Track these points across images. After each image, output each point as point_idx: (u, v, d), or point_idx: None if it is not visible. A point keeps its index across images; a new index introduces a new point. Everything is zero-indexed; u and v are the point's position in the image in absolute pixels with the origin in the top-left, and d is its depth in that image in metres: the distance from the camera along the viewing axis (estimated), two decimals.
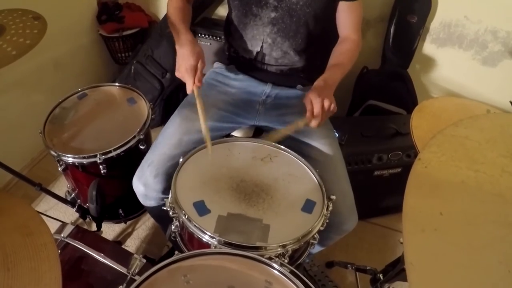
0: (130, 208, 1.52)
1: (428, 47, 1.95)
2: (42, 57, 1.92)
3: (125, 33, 2.24)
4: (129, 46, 2.32)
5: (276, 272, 0.77)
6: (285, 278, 0.75)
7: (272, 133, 1.20)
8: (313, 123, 1.10)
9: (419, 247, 0.43)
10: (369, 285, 1.34)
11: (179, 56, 1.14)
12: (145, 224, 1.79)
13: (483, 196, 0.48)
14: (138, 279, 0.72)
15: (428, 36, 1.93)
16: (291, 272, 0.77)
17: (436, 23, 1.89)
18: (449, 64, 1.97)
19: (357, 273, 1.45)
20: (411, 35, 1.85)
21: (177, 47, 1.16)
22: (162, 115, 2.27)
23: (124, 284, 0.86)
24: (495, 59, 1.88)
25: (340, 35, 1.34)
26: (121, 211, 1.48)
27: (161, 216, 1.30)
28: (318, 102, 1.07)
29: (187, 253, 0.78)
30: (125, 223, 1.62)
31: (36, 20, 1.33)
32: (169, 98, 2.25)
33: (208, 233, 0.90)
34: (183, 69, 1.11)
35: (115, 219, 1.51)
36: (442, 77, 2.01)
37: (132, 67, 2.19)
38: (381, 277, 1.24)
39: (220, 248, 0.87)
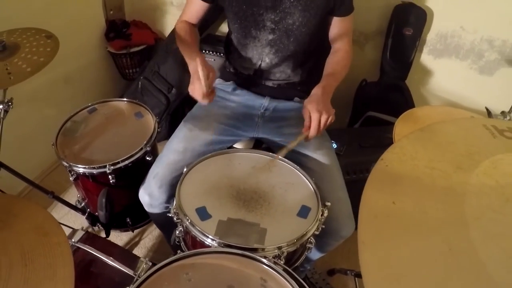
0: (137, 217, 1.61)
1: (425, 58, 2.03)
2: (53, 73, 2.03)
3: (132, 50, 2.37)
4: (136, 63, 2.44)
5: (270, 269, 0.85)
6: (278, 275, 0.83)
7: (279, 151, 1.27)
8: (310, 137, 1.17)
9: (371, 230, 0.51)
10: None
11: (193, 76, 1.22)
12: (152, 234, 1.87)
13: (435, 189, 0.55)
14: (144, 275, 0.80)
15: (425, 48, 2.01)
16: (284, 270, 0.85)
17: (432, 35, 1.97)
18: (446, 74, 2.04)
19: (356, 279, 1.52)
20: (407, 47, 1.93)
21: (189, 67, 1.25)
22: (168, 129, 2.37)
23: (131, 286, 0.94)
24: (491, 68, 1.95)
25: (333, 46, 1.43)
26: (128, 220, 1.57)
27: (165, 224, 1.39)
28: (316, 118, 1.15)
29: (188, 252, 0.87)
30: (133, 231, 1.70)
31: (48, 38, 1.44)
32: (175, 113, 2.35)
33: (210, 236, 0.99)
34: (197, 87, 1.20)
35: (123, 227, 1.60)
36: (440, 87, 2.08)
37: (139, 82, 2.30)
38: None
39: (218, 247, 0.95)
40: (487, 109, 1.25)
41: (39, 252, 0.81)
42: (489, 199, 0.55)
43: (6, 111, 1.36)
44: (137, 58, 2.42)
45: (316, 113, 1.15)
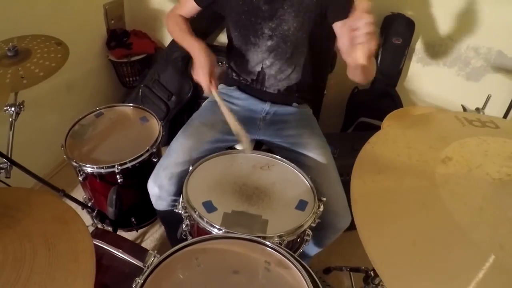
0: (142, 216, 1.69)
1: (414, 66, 2.16)
2: (57, 80, 2.08)
3: (133, 58, 2.47)
4: (136, 71, 2.54)
5: (273, 251, 0.94)
6: (281, 256, 0.92)
7: None
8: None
9: (361, 190, 0.67)
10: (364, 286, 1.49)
11: (196, 63, 1.37)
12: (153, 236, 1.95)
13: (412, 163, 0.71)
14: (160, 257, 0.89)
15: (414, 56, 2.14)
16: (287, 252, 0.94)
17: (420, 44, 2.10)
18: (434, 81, 2.17)
19: (351, 273, 1.60)
20: (397, 56, 2.06)
21: (192, 54, 1.40)
22: (167, 136, 2.45)
23: (141, 276, 1.02)
24: (478, 74, 2.07)
25: None
26: (133, 219, 1.65)
27: (170, 219, 1.47)
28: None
29: (199, 237, 0.95)
30: (137, 231, 1.78)
31: (58, 45, 1.54)
32: (174, 120, 2.44)
33: (216, 226, 1.08)
34: (201, 72, 1.34)
35: (128, 227, 1.68)
36: (429, 94, 2.20)
37: (140, 90, 2.39)
38: (372, 273, 1.39)
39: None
40: (463, 106, 1.37)
41: (60, 238, 0.88)
42: (455, 169, 0.69)
43: (17, 114, 1.46)
44: (137, 67, 2.52)
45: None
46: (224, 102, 1.35)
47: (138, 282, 0.87)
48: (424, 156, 0.71)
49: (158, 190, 1.36)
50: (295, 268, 0.90)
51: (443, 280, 0.58)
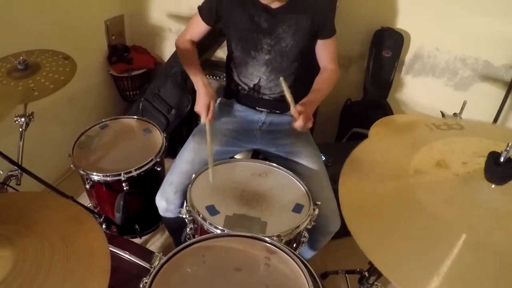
0: (146, 223, 1.77)
1: (404, 77, 2.28)
2: (59, 93, 2.18)
3: (133, 73, 2.58)
4: (136, 85, 2.64)
5: (272, 247, 1.02)
6: (280, 250, 1.01)
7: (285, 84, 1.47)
8: (298, 122, 1.40)
9: (349, 176, 0.87)
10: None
11: (198, 95, 1.52)
12: (155, 243, 2.03)
13: (388, 162, 0.88)
14: (170, 253, 0.97)
15: (404, 68, 2.26)
16: (285, 247, 1.03)
17: (410, 56, 2.22)
18: (424, 91, 2.29)
19: (347, 276, 1.68)
20: (387, 68, 2.18)
21: (196, 87, 1.54)
22: (167, 148, 2.54)
23: (148, 277, 1.09)
24: (466, 84, 2.19)
25: (321, 66, 1.69)
26: (137, 226, 1.73)
27: (176, 227, 1.58)
28: (303, 108, 1.41)
29: (205, 236, 1.04)
30: (140, 238, 1.85)
31: (66, 60, 1.63)
32: (173, 132, 2.53)
33: (219, 228, 1.17)
34: (200, 105, 1.49)
35: (132, 233, 1.75)
36: (419, 104, 2.31)
37: (141, 103, 2.48)
38: (367, 274, 1.47)
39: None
40: (442, 112, 1.48)
41: (76, 236, 0.95)
42: (425, 166, 0.84)
43: (27, 124, 1.54)
44: (137, 81, 2.62)
45: (303, 108, 1.41)
46: (210, 136, 1.47)
47: (152, 272, 0.95)
48: (398, 160, 0.88)
49: (166, 203, 1.47)
50: (293, 262, 0.99)
51: (425, 257, 0.70)
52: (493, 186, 0.76)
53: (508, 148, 0.73)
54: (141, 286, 1.01)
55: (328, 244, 1.65)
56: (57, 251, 0.90)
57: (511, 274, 0.65)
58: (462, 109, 1.45)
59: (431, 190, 0.79)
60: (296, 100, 1.51)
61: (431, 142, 0.91)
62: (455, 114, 1.43)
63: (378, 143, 1.01)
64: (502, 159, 0.73)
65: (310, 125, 1.44)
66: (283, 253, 1.01)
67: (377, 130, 1.46)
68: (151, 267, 1.23)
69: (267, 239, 1.04)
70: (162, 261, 1.00)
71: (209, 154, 1.44)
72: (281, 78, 1.43)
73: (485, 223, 0.72)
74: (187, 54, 1.66)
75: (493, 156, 0.75)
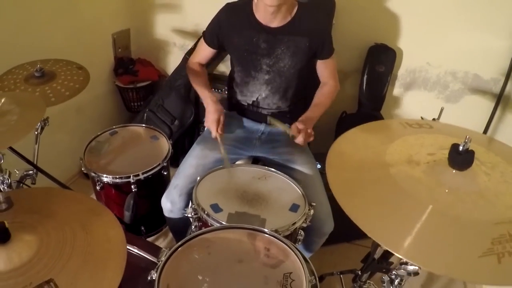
0: (151, 225, 1.90)
1: (397, 91, 2.42)
2: (67, 102, 2.31)
3: (138, 85, 2.72)
4: (141, 96, 2.78)
5: (271, 237, 1.15)
6: (278, 241, 1.14)
7: (274, 121, 1.66)
8: (299, 139, 1.55)
9: (335, 165, 1.01)
10: None
11: (207, 112, 1.67)
12: (160, 245, 2.12)
13: (368, 154, 1.06)
14: (179, 242, 1.09)
15: (397, 82, 2.40)
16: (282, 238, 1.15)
17: (402, 70, 2.37)
18: (416, 104, 2.42)
19: (341, 276, 1.79)
20: (381, 82, 2.32)
21: (205, 104, 1.69)
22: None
23: (155, 270, 1.19)
24: (456, 96, 2.33)
25: (321, 81, 1.83)
26: (143, 228, 1.84)
27: (179, 228, 1.71)
28: (302, 126, 1.54)
29: (210, 227, 1.17)
30: (145, 239, 1.96)
31: (79, 69, 1.76)
32: (176, 142, 2.65)
33: (223, 223, 1.29)
34: (210, 121, 1.63)
35: (137, 235, 1.86)
36: (410, 116, 2.45)
37: (145, 114, 2.62)
38: (360, 272, 1.58)
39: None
40: (421, 117, 1.63)
41: (94, 225, 1.05)
42: (399, 154, 1.02)
43: (42, 128, 1.66)
44: (142, 93, 2.76)
45: (302, 125, 1.55)
46: (223, 146, 1.64)
47: (163, 257, 1.07)
48: (376, 149, 1.06)
49: (171, 205, 1.60)
50: (291, 250, 1.11)
51: (400, 222, 0.89)
52: (454, 171, 0.94)
53: (466, 141, 0.91)
54: (153, 273, 1.10)
55: (324, 249, 1.78)
56: (77, 237, 1.01)
57: (465, 237, 0.85)
58: (439, 114, 1.60)
59: (405, 173, 0.97)
60: (296, 116, 1.65)
61: (404, 136, 1.10)
62: (433, 119, 1.57)
63: (358, 136, 1.19)
64: (461, 149, 0.92)
65: (311, 139, 1.59)
66: (281, 243, 1.13)
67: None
68: (159, 261, 1.35)
69: (266, 230, 1.16)
70: (173, 249, 1.11)
71: (226, 158, 1.61)
72: (268, 118, 1.58)
73: (447, 199, 0.91)
74: (196, 75, 1.82)
75: (454, 147, 0.93)
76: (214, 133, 1.62)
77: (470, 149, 0.92)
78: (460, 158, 0.93)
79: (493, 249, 0.79)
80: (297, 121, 1.59)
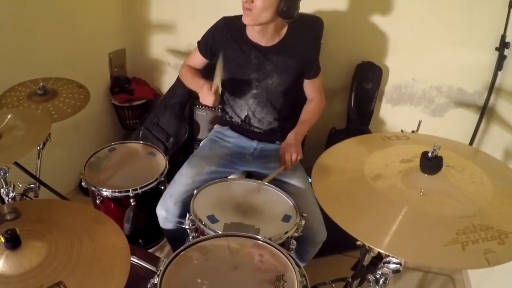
0: (149, 238, 1.97)
1: (384, 106, 2.54)
2: (66, 120, 2.40)
3: (134, 103, 2.82)
4: (136, 114, 2.88)
5: (264, 244, 1.24)
6: (271, 247, 1.23)
7: (265, 178, 1.72)
8: (287, 169, 1.72)
9: (319, 182, 1.13)
10: None
11: (199, 92, 1.69)
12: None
13: (348, 165, 1.23)
14: (178, 249, 1.17)
15: (384, 98, 2.52)
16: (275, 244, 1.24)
17: (389, 87, 2.49)
18: (403, 118, 2.54)
19: (333, 284, 1.87)
20: (368, 98, 2.45)
21: (199, 89, 1.70)
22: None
23: (157, 275, 1.24)
24: (442, 110, 2.45)
25: (307, 98, 1.94)
26: (140, 241, 1.92)
27: (175, 237, 1.78)
28: (289, 156, 1.69)
29: (207, 236, 1.25)
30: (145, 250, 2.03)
31: (80, 88, 1.86)
32: (171, 159, 2.71)
33: (219, 233, 1.37)
34: (205, 93, 1.64)
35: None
36: (398, 130, 2.53)
37: (141, 132, 2.71)
38: (351, 280, 1.66)
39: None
40: (402, 130, 1.74)
41: (99, 234, 1.13)
42: (377, 164, 1.15)
43: (44, 143, 1.75)
44: (137, 111, 2.87)
45: (289, 154, 1.69)
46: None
47: (162, 267, 1.15)
48: (356, 161, 1.20)
49: (165, 213, 1.68)
50: (283, 255, 1.20)
51: (378, 222, 1.03)
52: (426, 176, 1.08)
53: (435, 148, 1.05)
54: (154, 279, 1.18)
55: (316, 261, 1.87)
56: (84, 243, 1.09)
57: (435, 232, 0.98)
58: (418, 127, 1.72)
59: (382, 179, 1.11)
60: (285, 132, 1.76)
61: (382, 148, 1.26)
62: (412, 131, 1.69)
63: (340, 150, 1.35)
64: (430, 156, 1.06)
65: (301, 157, 1.73)
66: (274, 249, 1.22)
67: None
68: (158, 270, 1.42)
69: (259, 237, 1.25)
70: (173, 255, 1.20)
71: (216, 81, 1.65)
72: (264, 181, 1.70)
73: (420, 200, 1.05)
74: (187, 72, 1.89)
75: (425, 154, 1.07)
76: (212, 100, 1.63)
77: (439, 155, 1.05)
78: (430, 163, 1.06)
79: (458, 239, 0.92)
80: (282, 144, 1.73)
